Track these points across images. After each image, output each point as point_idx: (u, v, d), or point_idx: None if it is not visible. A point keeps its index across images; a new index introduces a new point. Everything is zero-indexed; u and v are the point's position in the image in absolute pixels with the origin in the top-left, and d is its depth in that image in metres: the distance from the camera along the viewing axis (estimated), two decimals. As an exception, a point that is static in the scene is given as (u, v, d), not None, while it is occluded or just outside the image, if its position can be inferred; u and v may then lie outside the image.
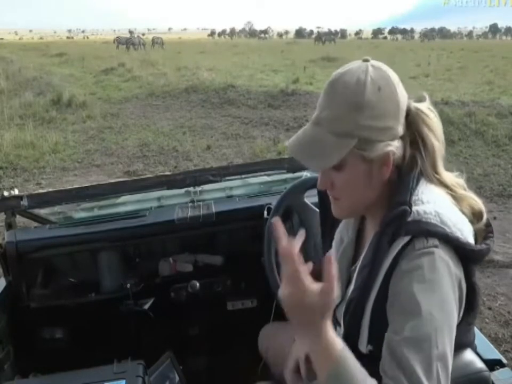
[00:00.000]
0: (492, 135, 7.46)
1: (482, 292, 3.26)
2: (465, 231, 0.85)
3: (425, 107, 0.92)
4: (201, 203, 1.94)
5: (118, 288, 1.85)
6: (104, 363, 1.29)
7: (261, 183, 2.15)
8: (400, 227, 0.83)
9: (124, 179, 3.04)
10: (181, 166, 6.23)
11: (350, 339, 0.87)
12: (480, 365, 0.94)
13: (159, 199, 2.10)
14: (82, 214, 2.06)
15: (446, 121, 7.97)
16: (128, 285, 1.84)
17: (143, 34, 52.23)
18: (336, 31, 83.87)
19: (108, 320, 1.85)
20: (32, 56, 27.51)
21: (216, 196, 2.07)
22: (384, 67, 0.88)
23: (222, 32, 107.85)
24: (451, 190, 0.92)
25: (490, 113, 8.61)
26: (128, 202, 2.09)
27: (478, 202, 0.93)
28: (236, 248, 1.94)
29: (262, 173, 2.08)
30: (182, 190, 2.02)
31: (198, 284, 1.88)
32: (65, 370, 1.27)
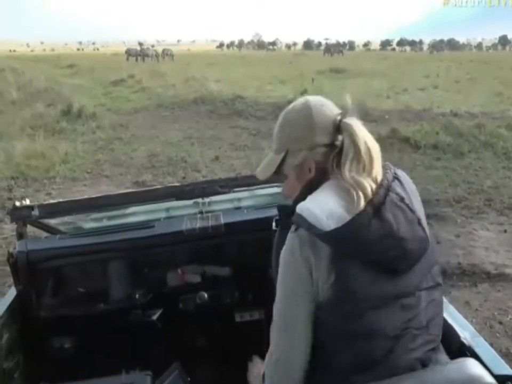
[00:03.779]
0: (502, 147, 7.41)
1: (493, 306, 3.23)
2: (322, 219, 0.98)
3: (352, 121, 1.07)
4: (209, 214, 1.95)
5: (127, 298, 1.85)
6: (113, 373, 1.30)
7: (269, 194, 2.16)
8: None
9: (133, 190, 3.06)
10: (189, 177, 6.27)
11: None
12: (490, 379, 0.93)
13: (168, 210, 2.11)
14: (92, 224, 2.08)
15: (455, 133, 7.94)
16: (137, 295, 1.85)
17: (153, 46, 52.83)
18: (344, 42, 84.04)
19: (117, 330, 1.86)
20: (43, 67, 27.96)
21: (224, 207, 2.08)
22: (312, 97, 1.14)
23: (231, 44, 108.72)
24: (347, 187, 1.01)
25: (500, 125, 8.58)
26: (137, 213, 2.11)
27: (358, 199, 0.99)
28: (244, 260, 1.94)
29: (270, 185, 2.08)
30: (191, 201, 2.04)
31: (206, 295, 1.88)
32: (74, 380, 1.27)
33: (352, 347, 1.00)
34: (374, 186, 1.01)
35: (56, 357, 1.83)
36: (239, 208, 2.09)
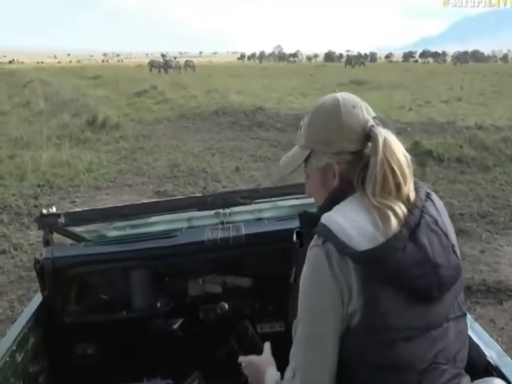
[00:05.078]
0: (529, 161, 7.26)
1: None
2: (353, 236, 0.90)
3: (383, 131, 0.98)
4: (230, 225, 1.96)
5: (148, 306, 1.88)
6: (134, 380, 1.31)
7: (290, 206, 2.16)
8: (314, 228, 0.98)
9: (156, 200, 3.10)
10: (210, 187, 6.31)
11: None
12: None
13: (189, 220, 2.13)
14: (115, 233, 2.11)
15: (480, 146, 7.80)
16: (158, 304, 1.87)
17: (175, 58, 53.66)
18: (366, 54, 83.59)
19: (138, 338, 1.88)
20: (70, 78, 28.68)
21: (245, 218, 2.09)
22: (343, 96, 1.04)
23: (252, 56, 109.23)
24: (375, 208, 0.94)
25: (526, 139, 8.40)
26: (159, 222, 2.13)
27: (392, 221, 0.92)
28: (264, 271, 1.95)
29: (291, 196, 2.09)
30: (212, 212, 2.05)
31: (226, 306, 1.89)
32: None
33: (378, 379, 0.92)
34: (404, 208, 0.94)
35: (79, 362, 1.85)
36: (260, 219, 2.10)
